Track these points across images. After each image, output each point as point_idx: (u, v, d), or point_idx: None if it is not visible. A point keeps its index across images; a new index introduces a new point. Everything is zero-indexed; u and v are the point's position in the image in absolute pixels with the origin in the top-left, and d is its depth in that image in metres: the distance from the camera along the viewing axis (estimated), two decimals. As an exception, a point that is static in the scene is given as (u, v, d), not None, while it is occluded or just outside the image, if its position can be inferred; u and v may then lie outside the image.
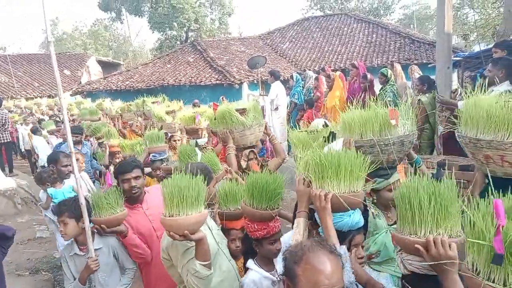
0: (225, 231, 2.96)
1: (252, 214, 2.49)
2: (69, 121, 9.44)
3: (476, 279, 1.44)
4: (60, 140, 8.41)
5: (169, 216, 2.12)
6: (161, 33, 34.31)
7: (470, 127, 2.34)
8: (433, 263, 1.54)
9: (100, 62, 30.26)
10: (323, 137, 2.15)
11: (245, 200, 2.58)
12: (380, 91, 7.50)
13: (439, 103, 5.63)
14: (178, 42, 32.93)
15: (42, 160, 9.94)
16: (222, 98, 10.86)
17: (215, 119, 4.18)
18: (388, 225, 2.54)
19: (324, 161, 1.92)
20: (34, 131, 10.67)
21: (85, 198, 2.91)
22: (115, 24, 43.70)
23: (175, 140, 5.62)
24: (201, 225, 2.21)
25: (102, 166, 6.67)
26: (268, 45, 23.67)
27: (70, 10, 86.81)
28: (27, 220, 7.64)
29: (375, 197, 2.60)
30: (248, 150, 4.03)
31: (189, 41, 29.29)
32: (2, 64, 24.89)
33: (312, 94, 9.47)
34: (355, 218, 1.99)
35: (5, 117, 10.93)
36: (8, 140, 11.07)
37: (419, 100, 6.29)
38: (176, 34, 34.22)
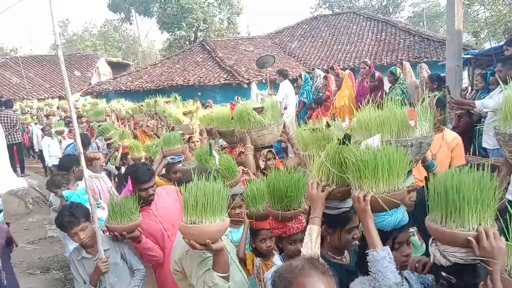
0: (255, 231, 2.91)
1: (270, 213, 2.46)
2: (82, 122, 9.58)
3: (507, 279, 1.49)
4: (70, 140, 8.49)
5: (191, 223, 2.00)
6: (170, 33, 34.45)
7: (510, 123, 2.27)
8: (483, 256, 1.54)
9: (109, 63, 30.45)
10: (338, 139, 2.01)
11: (267, 198, 2.54)
12: (389, 89, 7.45)
13: (452, 104, 5.49)
14: (187, 42, 33.04)
15: (48, 161, 10.03)
16: (237, 98, 10.86)
17: (232, 118, 4.15)
18: None
19: (360, 160, 1.83)
20: (43, 131, 10.82)
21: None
22: (124, 25, 44.03)
23: (193, 142, 5.47)
24: (223, 234, 2.12)
25: (113, 167, 6.68)
26: (277, 44, 23.64)
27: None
28: (38, 219, 7.72)
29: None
30: (266, 150, 3.98)
31: (197, 41, 29.37)
32: (14, 65, 25.18)
33: (321, 94, 9.42)
34: (397, 216, 1.92)
35: (16, 118, 11.06)
36: (20, 141, 11.20)
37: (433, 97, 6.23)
38: (185, 34, 34.34)
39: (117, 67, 30.25)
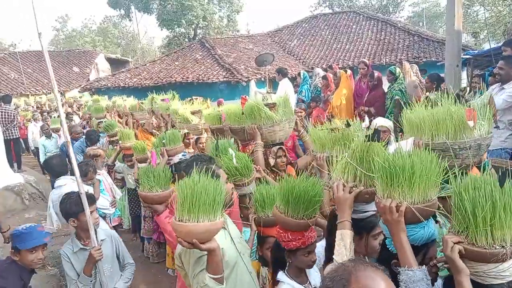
0: (261, 238, 2.77)
1: (286, 223, 2.25)
2: (83, 119, 9.42)
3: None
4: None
5: (179, 221, 1.92)
6: (170, 30, 34.40)
7: None
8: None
9: (108, 59, 30.40)
10: (366, 136, 1.86)
11: (278, 206, 2.33)
12: (388, 89, 7.44)
13: None
14: (186, 40, 32.99)
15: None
16: (245, 97, 10.76)
17: (243, 113, 4.05)
18: None
19: (394, 166, 1.64)
20: (42, 129, 10.78)
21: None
22: (123, 22, 43.94)
23: (201, 143, 5.24)
24: (214, 235, 1.99)
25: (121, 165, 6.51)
26: (276, 42, 23.61)
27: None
28: (34, 215, 7.68)
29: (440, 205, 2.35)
30: (277, 147, 3.87)
31: (197, 38, 29.34)
32: (12, 60, 25.12)
33: (322, 94, 9.39)
34: (430, 229, 1.75)
35: (14, 114, 11.02)
36: (17, 136, 11.16)
37: (427, 97, 6.23)
38: (184, 32, 34.28)
39: (116, 64, 30.20)
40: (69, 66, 27.05)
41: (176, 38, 34.68)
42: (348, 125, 2.46)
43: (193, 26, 33.59)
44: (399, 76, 7.29)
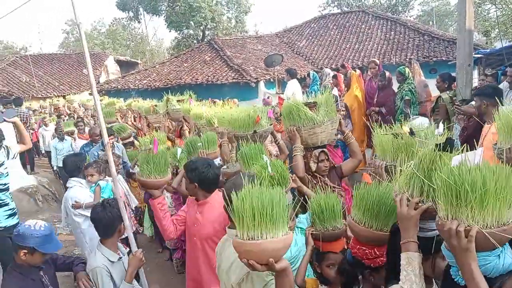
0: (321, 254, 2.56)
1: (374, 238, 2.02)
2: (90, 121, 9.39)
3: None
4: (83, 141, 8.37)
5: (249, 239, 1.62)
6: (178, 32, 34.55)
7: None
8: None
9: (118, 61, 30.60)
10: (436, 145, 1.61)
11: (358, 220, 2.09)
12: (398, 89, 7.41)
13: (458, 112, 5.30)
14: (195, 41, 33.10)
15: (54, 164, 9.67)
16: (268, 97, 10.64)
17: (280, 115, 3.92)
18: None
19: (462, 182, 1.35)
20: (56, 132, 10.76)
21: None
22: (132, 24, 44.24)
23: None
24: (287, 251, 1.73)
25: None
26: (285, 43, 23.60)
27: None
28: (47, 217, 7.76)
29: None
30: (319, 151, 3.59)
31: (205, 40, 29.43)
32: (24, 64, 25.43)
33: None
34: (506, 259, 1.42)
35: (27, 116, 11.16)
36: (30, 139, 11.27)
37: (439, 97, 6.19)
38: (193, 33, 34.42)
39: (125, 66, 30.43)
40: (79, 68, 27.31)
41: (184, 39, 34.82)
42: (412, 133, 2.25)
43: (202, 28, 33.68)
44: (408, 76, 7.25)
